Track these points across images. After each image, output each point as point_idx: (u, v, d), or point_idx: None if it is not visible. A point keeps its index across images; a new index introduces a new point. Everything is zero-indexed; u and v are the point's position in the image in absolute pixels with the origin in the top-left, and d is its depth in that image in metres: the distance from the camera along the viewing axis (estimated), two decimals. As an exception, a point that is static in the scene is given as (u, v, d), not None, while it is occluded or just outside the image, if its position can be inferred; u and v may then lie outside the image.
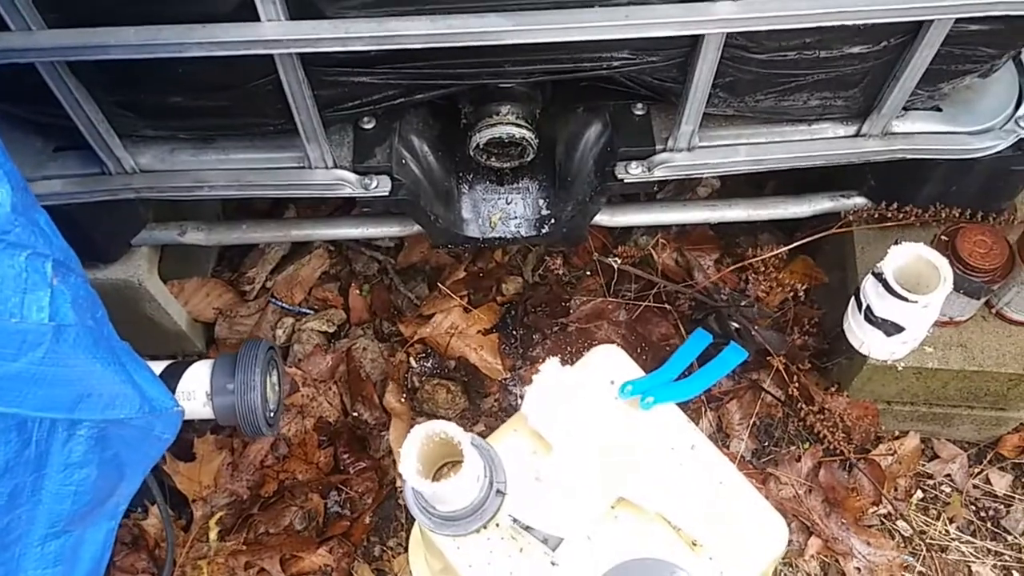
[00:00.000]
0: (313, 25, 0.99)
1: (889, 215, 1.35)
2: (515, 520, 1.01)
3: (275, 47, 1.00)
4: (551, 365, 1.07)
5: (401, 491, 1.50)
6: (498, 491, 1.02)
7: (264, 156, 1.23)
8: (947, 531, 1.48)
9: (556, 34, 1.01)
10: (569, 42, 1.03)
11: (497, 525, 1.03)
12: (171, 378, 1.13)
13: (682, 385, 1.13)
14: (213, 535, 1.45)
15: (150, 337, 1.52)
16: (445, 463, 1.04)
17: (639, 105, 1.25)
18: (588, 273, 1.67)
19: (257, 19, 0.97)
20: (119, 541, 1.44)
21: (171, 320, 1.50)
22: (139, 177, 1.22)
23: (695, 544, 1.01)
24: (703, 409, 1.53)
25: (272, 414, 1.19)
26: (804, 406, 1.43)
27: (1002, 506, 1.51)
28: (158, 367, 1.13)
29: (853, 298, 1.29)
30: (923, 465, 1.53)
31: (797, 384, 1.42)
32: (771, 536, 1.04)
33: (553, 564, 1.00)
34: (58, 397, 0.73)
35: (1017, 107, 1.25)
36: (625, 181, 1.24)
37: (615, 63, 1.10)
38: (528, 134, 1.22)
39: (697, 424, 1.10)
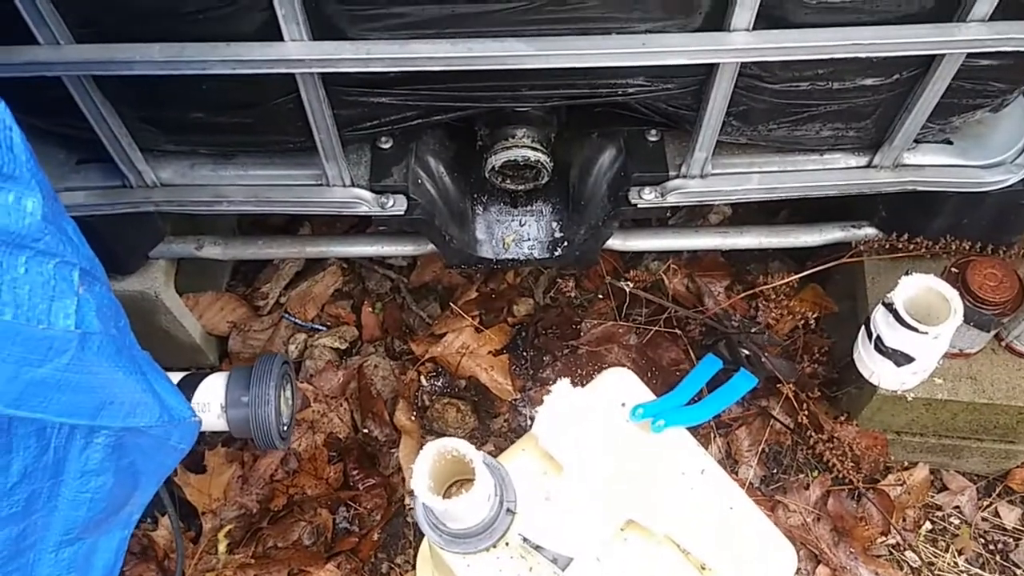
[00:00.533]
0: (335, 46, 1.01)
1: (900, 246, 1.36)
2: (525, 539, 1.01)
3: (298, 67, 1.02)
4: (562, 386, 1.08)
5: (410, 508, 1.51)
6: (508, 510, 1.03)
7: (283, 173, 1.25)
8: (956, 563, 1.48)
9: (574, 60, 1.03)
10: (586, 68, 1.05)
11: (507, 544, 1.03)
12: (186, 390, 1.14)
13: (693, 410, 1.13)
14: (222, 548, 1.46)
15: (165, 349, 1.53)
16: (455, 481, 1.05)
17: (653, 132, 1.27)
18: (599, 297, 1.68)
19: (281, 39, 0.99)
20: (128, 551, 1.44)
21: (186, 333, 1.52)
22: (159, 191, 1.24)
23: (704, 568, 1.01)
24: (712, 435, 1.53)
25: (285, 428, 1.20)
26: (813, 434, 1.43)
27: (1011, 539, 1.51)
28: (173, 379, 1.14)
29: (863, 328, 1.30)
30: (932, 496, 1.53)
31: (806, 412, 1.42)
32: (780, 562, 1.04)
33: (561, 584, 1.01)
34: (81, 404, 0.74)
35: (1028, 141, 1.26)
36: (638, 206, 1.25)
37: (631, 89, 1.12)
38: (543, 157, 1.23)
39: (706, 450, 1.10)
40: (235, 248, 1.44)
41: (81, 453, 0.86)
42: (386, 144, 1.25)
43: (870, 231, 1.40)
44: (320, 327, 1.68)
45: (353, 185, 1.24)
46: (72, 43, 1.00)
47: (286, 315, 1.67)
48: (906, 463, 1.54)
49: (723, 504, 1.06)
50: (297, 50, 1.00)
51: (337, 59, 1.01)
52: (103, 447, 0.87)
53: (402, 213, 1.24)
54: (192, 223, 1.44)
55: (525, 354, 1.65)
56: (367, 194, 1.24)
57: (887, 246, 1.37)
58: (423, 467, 0.94)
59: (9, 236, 0.64)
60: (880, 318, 1.23)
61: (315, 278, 1.71)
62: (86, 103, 1.08)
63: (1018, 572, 1.48)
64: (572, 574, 1.00)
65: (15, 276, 0.64)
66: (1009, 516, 1.52)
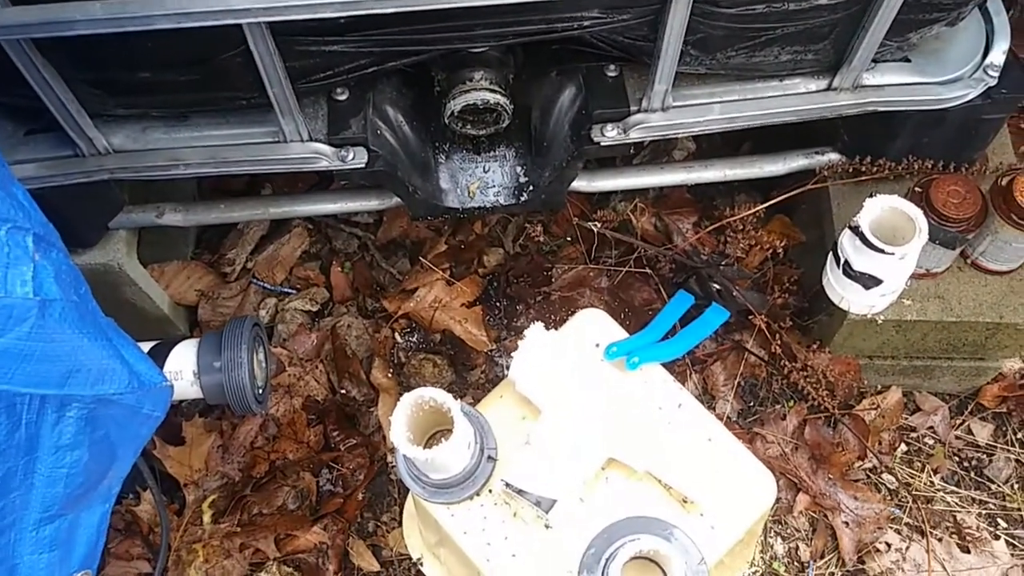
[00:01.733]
0: (282, -7, 0.98)
1: (863, 169, 1.36)
2: (507, 484, 1.02)
3: (244, 16, 0.99)
4: (536, 330, 1.08)
5: (393, 466, 1.51)
6: (489, 457, 1.03)
7: (238, 132, 1.22)
8: (932, 482, 1.51)
9: (526, -7, 1.01)
10: (540, 2, 1.03)
11: (490, 491, 1.03)
12: (157, 358, 1.13)
13: (666, 345, 1.14)
14: (207, 518, 1.45)
15: (133, 322, 1.48)
16: (435, 432, 1.05)
17: (612, 67, 1.25)
18: (568, 240, 1.68)
19: (226, -11, 0.97)
20: (112, 528, 1.44)
21: (153, 304, 1.49)
22: (112, 158, 1.21)
23: (685, 501, 1.02)
24: (688, 372, 1.54)
25: (260, 391, 1.19)
26: (787, 364, 1.44)
27: (984, 455, 1.54)
28: (143, 348, 1.12)
29: (831, 253, 1.30)
30: (906, 418, 1.55)
31: (780, 343, 1.43)
32: (760, 491, 1.05)
33: (547, 527, 1.02)
34: (47, 373, 0.72)
35: (985, 55, 1.25)
36: (601, 144, 1.24)
37: (586, 23, 1.10)
38: (502, 99, 1.22)
39: (683, 387, 1.11)
40: (197, 214, 1.41)
41: (54, 428, 0.84)
42: (342, 96, 1.22)
43: (833, 156, 1.40)
44: (290, 290, 1.66)
45: (311, 140, 1.21)
46: (8, 6, 0.97)
47: (254, 280, 1.65)
48: (879, 387, 1.56)
49: (701, 437, 1.07)
50: None
51: (284, 7, 0.98)
52: (75, 420, 0.85)
53: (363, 166, 1.22)
54: (151, 190, 1.41)
55: (498, 304, 1.64)
56: (326, 148, 1.22)
57: (850, 170, 1.37)
58: (401, 419, 0.93)
59: (-46, 203, 0.62)
60: (847, 242, 1.23)
61: (281, 241, 1.68)
62: (28, 69, 1.05)
63: (992, 487, 1.51)
64: (556, 515, 1.01)
65: (-36, 244, 0.63)
66: (981, 432, 1.55)
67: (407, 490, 1.03)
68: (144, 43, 1.02)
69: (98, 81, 1.12)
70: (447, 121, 1.24)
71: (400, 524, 1.38)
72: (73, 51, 1.05)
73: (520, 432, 1.06)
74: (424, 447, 0.94)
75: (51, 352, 0.72)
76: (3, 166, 0.69)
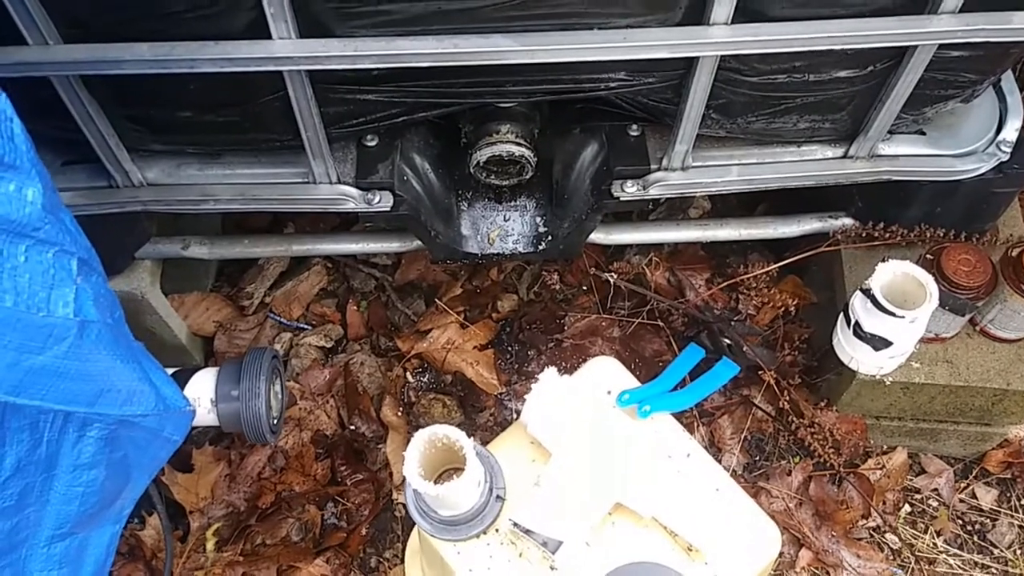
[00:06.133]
0: (323, 43, 1.02)
1: (876, 235, 1.39)
2: (515, 524, 1.03)
3: (285, 64, 1.03)
4: (550, 375, 1.10)
5: (398, 503, 1.52)
6: (498, 496, 1.04)
7: (269, 171, 1.26)
8: (935, 544, 1.51)
9: (557, 55, 1.05)
10: (569, 63, 1.07)
11: (497, 530, 1.04)
12: (177, 384, 1.15)
13: (677, 396, 1.16)
14: (210, 546, 1.46)
15: (151, 350, 1.50)
16: (445, 470, 1.07)
17: (634, 126, 1.29)
18: (583, 290, 1.70)
19: (269, 37, 1.01)
20: (115, 551, 1.45)
21: (171, 333, 1.52)
22: (146, 190, 1.25)
23: (691, 549, 1.03)
24: (695, 424, 1.56)
25: (275, 421, 1.21)
26: (794, 420, 1.46)
27: (988, 520, 1.54)
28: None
29: (842, 314, 1.32)
30: (911, 479, 1.56)
31: (787, 399, 1.45)
32: (765, 542, 1.06)
33: (552, 568, 1.02)
34: (80, 391, 0.75)
35: (998, 131, 1.29)
36: (620, 199, 1.27)
37: (613, 84, 1.14)
38: (527, 152, 1.25)
39: (690, 437, 1.13)
40: (221, 247, 1.44)
41: (74, 447, 0.86)
42: (372, 142, 1.26)
43: (847, 221, 1.43)
44: (305, 326, 1.69)
45: (340, 182, 1.25)
46: (60, 43, 1.01)
47: (271, 314, 1.68)
48: (885, 447, 1.57)
49: (709, 486, 1.08)
50: (285, 48, 1.01)
51: (325, 56, 1.02)
52: (96, 440, 0.87)
53: (388, 209, 1.25)
54: (177, 223, 1.44)
55: (510, 349, 1.66)
56: (353, 191, 1.25)
57: (863, 235, 1.40)
58: (414, 454, 0.95)
59: (10, 224, 0.65)
60: (858, 304, 1.26)
61: (300, 277, 1.71)
62: (74, 104, 1.09)
63: (995, 551, 1.51)
64: (562, 557, 1.02)
65: (15, 264, 0.65)
66: (986, 497, 1.56)
67: (410, 527, 1.04)
68: (187, 84, 1.06)
69: (139, 118, 1.16)
70: (472, 171, 1.28)
71: (402, 561, 1.39)
72: (118, 88, 1.09)
73: (529, 474, 1.07)
74: (434, 483, 0.96)
75: (85, 371, 0.74)
76: (53, 192, 0.72)
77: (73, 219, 0.75)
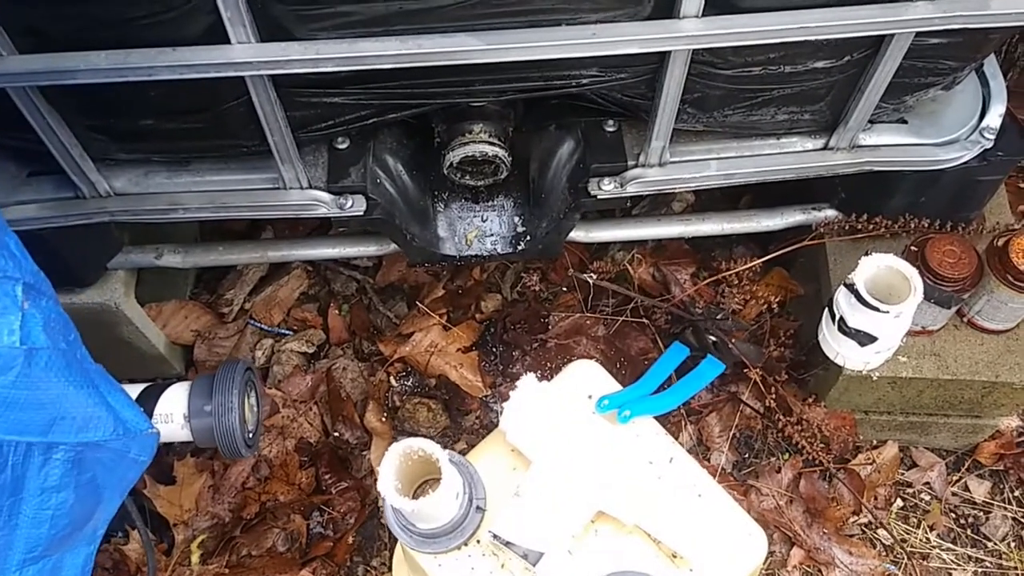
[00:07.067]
0: (283, 47, 1.00)
1: (860, 227, 1.37)
2: (496, 536, 1.01)
3: (246, 69, 1.01)
4: (528, 381, 1.08)
5: (383, 510, 1.50)
6: (478, 507, 1.02)
7: (238, 178, 1.23)
8: (927, 539, 1.50)
9: (525, 52, 1.02)
10: (539, 60, 1.05)
11: (478, 542, 1.03)
12: (148, 401, 1.12)
13: (659, 399, 1.13)
14: (195, 559, 1.44)
15: (129, 361, 1.51)
16: (424, 481, 1.05)
17: (610, 122, 1.26)
18: (565, 289, 1.68)
19: (227, 42, 0.98)
20: (99, 566, 1.43)
21: (149, 344, 1.50)
22: (114, 200, 1.22)
23: (675, 556, 1.02)
24: (683, 423, 1.54)
25: (251, 435, 1.19)
26: (782, 417, 1.44)
27: (981, 513, 1.53)
28: (135, 390, 1.12)
29: (827, 309, 1.30)
30: (902, 474, 1.54)
31: (775, 396, 1.43)
32: (750, 547, 1.04)
33: (533, 579, 1.01)
34: (30, 421, 0.72)
35: (981, 118, 1.27)
36: (598, 197, 1.25)
37: (584, 80, 1.11)
38: (501, 152, 1.23)
39: (677, 438, 1.11)
40: (195, 255, 1.42)
41: (40, 470, 0.84)
42: (343, 144, 1.24)
43: (830, 213, 1.41)
44: (286, 331, 1.67)
45: (311, 187, 1.23)
46: (15, 54, 0.98)
47: (251, 321, 1.66)
48: (875, 442, 1.55)
49: (692, 492, 1.06)
50: (244, 53, 0.99)
51: (285, 60, 1.00)
52: (62, 463, 0.85)
53: (361, 213, 1.23)
54: (151, 231, 1.42)
55: (494, 350, 1.64)
56: (325, 196, 1.23)
57: (847, 227, 1.38)
58: (389, 469, 0.93)
59: (-54, 254, 0.63)
60: (842, 299, 1.23)
61: (279, 282, 1.69)
62: (33, 114, 1.06)
63: (989, 544, 1.49)
64: (544, 568, 1.00)
65: (-45, 294, 0.63)
66: (978, 490, 1.54)
67: (396, 537, 1.04)
68: (147, 92, 1.04)
69: (101, 127, 1.13)
70: (446, 171, 1.25)
71: (390, 569, 1.37)
72: (77, 98, 1.07)
73: (510, 483, 1.05)
74: (414, 495, 0.94)
75: (35, 400, 0.72)
76: (-3, 215, 0.70)
77: (19, 242, 0.72)
